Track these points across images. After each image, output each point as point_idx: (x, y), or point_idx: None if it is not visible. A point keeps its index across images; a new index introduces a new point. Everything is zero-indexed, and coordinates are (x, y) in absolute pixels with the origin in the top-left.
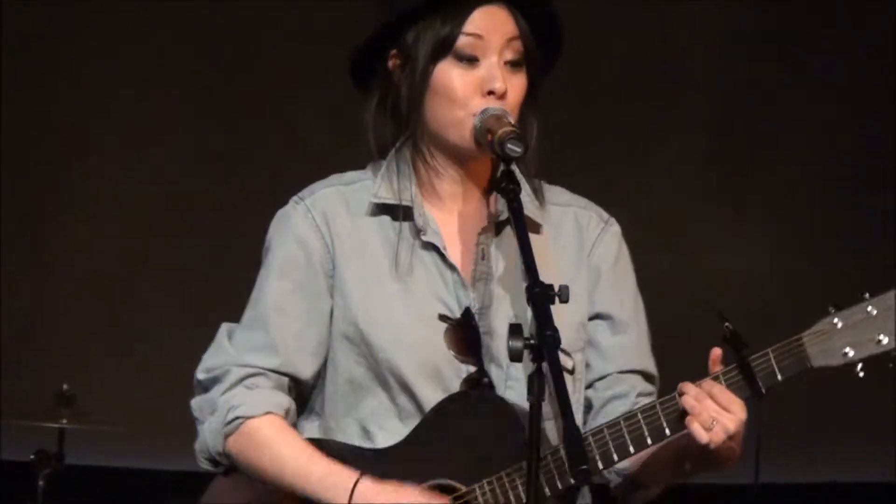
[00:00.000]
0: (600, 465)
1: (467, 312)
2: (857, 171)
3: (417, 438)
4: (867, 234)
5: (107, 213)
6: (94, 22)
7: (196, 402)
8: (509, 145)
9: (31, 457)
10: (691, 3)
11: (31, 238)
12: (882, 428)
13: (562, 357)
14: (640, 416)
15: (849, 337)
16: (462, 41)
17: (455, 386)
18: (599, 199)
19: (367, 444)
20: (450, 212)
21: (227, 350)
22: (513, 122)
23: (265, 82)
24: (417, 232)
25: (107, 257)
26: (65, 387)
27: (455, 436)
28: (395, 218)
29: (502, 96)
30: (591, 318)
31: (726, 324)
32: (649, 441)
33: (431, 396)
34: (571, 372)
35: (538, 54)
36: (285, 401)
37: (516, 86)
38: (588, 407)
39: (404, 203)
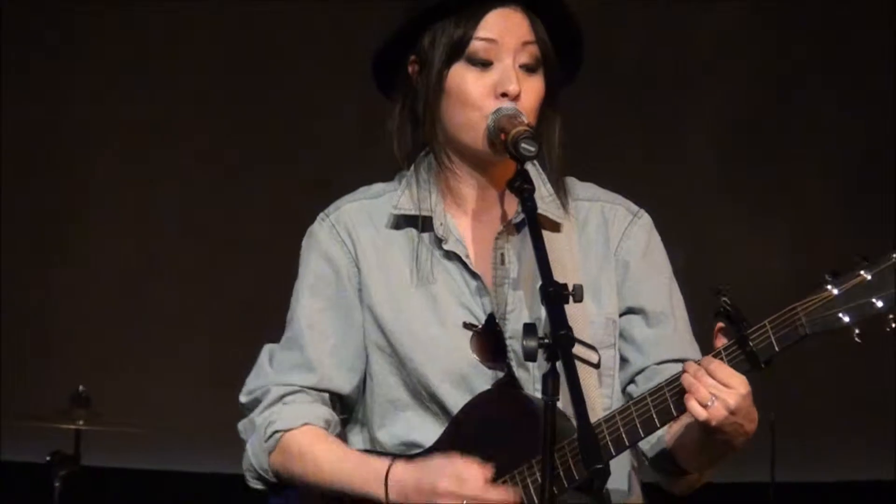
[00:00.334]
0: (613, 451)
1: (491, 318)
2: (883, 169)
3: (451, 437)
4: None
5: (126, 214)
6: (95, 23)
7: (241, 425)
8: (523, 144)
9: (48, 458)
10: (712, 3)
11: (47, 241)
12: (882, 428)
13: (584, 351)
14: (648, 398)
15: (844, 303)
16: (475, 45)
17: None
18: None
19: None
20: (471, 216)
21: (266, 372)
22: (526, 121)
23: (276, 85)
24: (439, 241)
25: (123, 260)
26: (81, 388)
27: (486, 432)
28: (417, 228)
29: (516, 98)
30: (624, 314)
31: (723, 298)
32: (657, 423)
33: (460, 403)
34: (597, 366)
35: (557, 61)
36: (325, 412)
37: (531, 89)
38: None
39: (423, 213)
